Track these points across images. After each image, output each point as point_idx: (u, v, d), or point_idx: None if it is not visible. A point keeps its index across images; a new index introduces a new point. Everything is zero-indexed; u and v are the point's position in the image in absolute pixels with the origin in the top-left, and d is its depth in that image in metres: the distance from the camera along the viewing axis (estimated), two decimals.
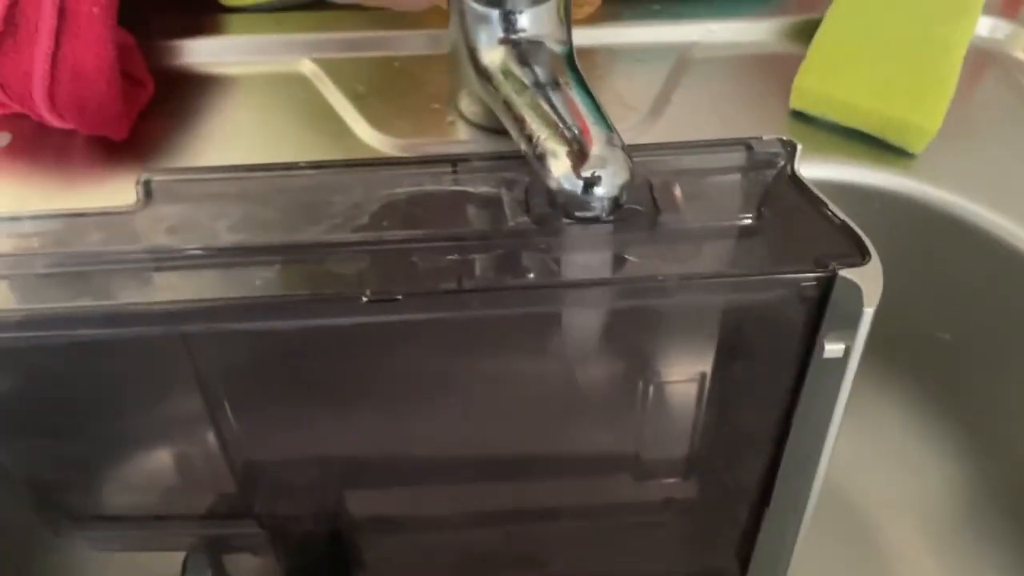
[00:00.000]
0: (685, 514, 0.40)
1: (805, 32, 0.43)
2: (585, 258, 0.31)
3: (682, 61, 0.43)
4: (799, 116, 0.41)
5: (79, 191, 0.38)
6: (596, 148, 0.30)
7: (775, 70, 0.43)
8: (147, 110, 0.40)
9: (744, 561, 0.39)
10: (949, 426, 0.46)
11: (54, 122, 0.38)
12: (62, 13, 0.36)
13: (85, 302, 0.29)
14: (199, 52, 0.43)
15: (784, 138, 0.33)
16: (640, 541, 0.41)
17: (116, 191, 0.38)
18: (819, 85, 0.40)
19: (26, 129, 0.40)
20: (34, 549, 0.41)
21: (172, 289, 0.30)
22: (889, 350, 0.46)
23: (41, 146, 0.39)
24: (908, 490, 0.46)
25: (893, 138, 0.40)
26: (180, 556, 0.40)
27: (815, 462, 0.33)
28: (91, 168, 0.39)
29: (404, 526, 0.39)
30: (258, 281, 0.30)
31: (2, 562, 0.39)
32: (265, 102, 0.42)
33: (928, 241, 0.41)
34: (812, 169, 0.40)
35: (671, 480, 0.39)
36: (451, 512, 0.38)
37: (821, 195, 0.32)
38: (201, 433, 0.34)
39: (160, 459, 0.36)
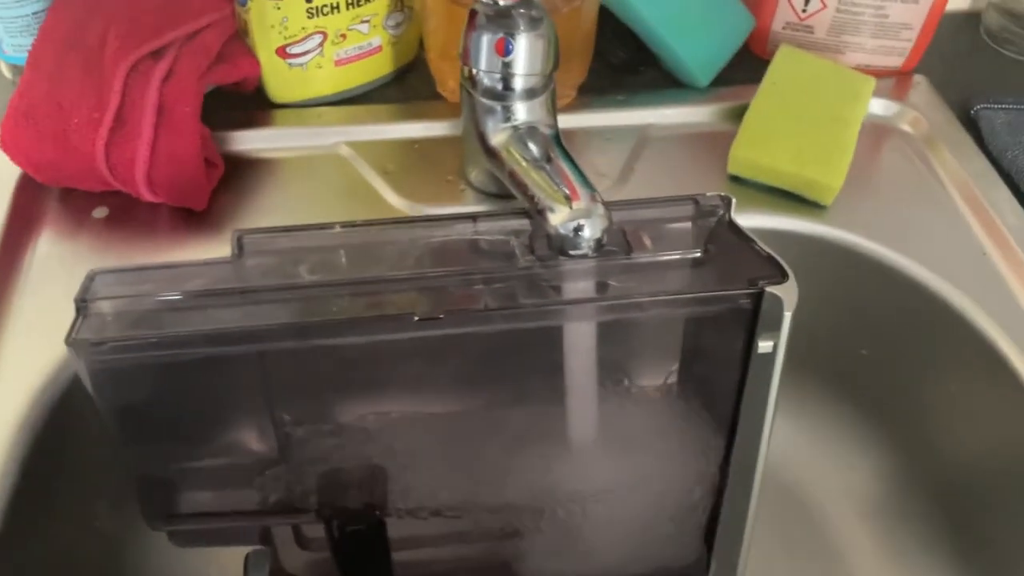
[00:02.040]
0: (661, 504, 0.49)
1: (736, 114, 0.55)
2: (579, 284, 0.41)
3: (642, 139, 0.55)
4: (735, 179, 0.52)
5: (169, 250, 0.47)
6: (583, 203, 0.41)
7: (715, 144, 0.54)
8: (217, 187, 0.50)
9: (710, 546, 0.48)
10: (876, 426, 0.56)
11: (149, 198, 0.48)
12: (160, 111, 0.46)
13: (198, 328, 0.39)
14: (257, 140, 0.53)
15: (722, 194, 0.44)
16: (624, 531, 0.50)
17: (199, 250, 0.47)
18: (749, 154, 0.51)
19: (119, 203, 0.49)
20: (111, 545, 0.49)
21: (268, 316, 0.39)
22: (821, 367, 0.56)
23: (133, 217, 0.49)
24: (845, 481, 0.56)
25: (808, 194, 0.51)
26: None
27: (757, 443, 0.42)
28: (175, 233, 0.48)
29: (443, 531, 0.48)
30: (334, 308, 0.39)
31: (90, 556, 0.47)
32: (311, 179, 0.52)
33: (842, 275, 0.52)
34: (746, 219, 0.50)
35: (649, 473, 0.48)
36: (479, 509, 0.46)
37: (752, 236, 0.43)
38: (273, 436, 0.43)
39: (238, 459, 0.44)
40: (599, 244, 0.41)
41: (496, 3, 0.41)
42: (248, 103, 0.54)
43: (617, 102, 0.56)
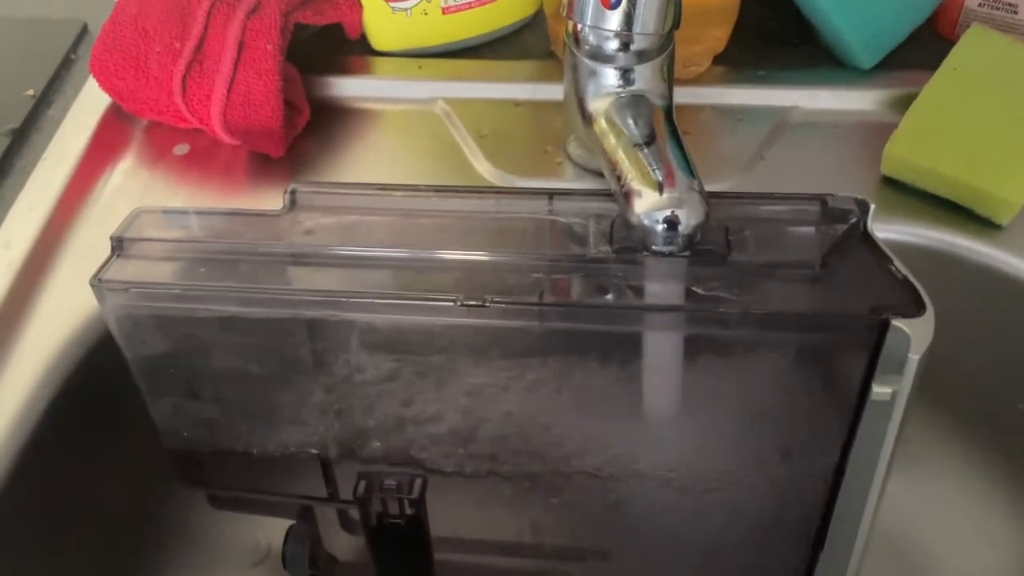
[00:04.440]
0: (741, 551, 0.41)
1: (904, 104, 0.45)
2: (656, 287, 0.34)
3: (781, 123, 0.46)
4: (890, 182, 0.43)
5: (239, 196, 0.45)
6: (676, 191, 0.34)
7: (870, 137, 0.45)
8: (301, 133, 0.47)
9: None
10: None
11: (225, 139, 0.45)
12: (241, 47, 0.43)
13: (230, 284, 0.35)
14: (350, 88, 0.49)
15: (859, 197, 0.36)
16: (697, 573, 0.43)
17: (269, 198, 0.44)
18: (908, 153, 0.42)
19: (202, 142, 0.47)
20: (150, 500, 0.47)
21: (302, 281, 0.35)
22: (964, 414, 0.46)
23: (212, 157, 0.46)
24: (981, 561, 0.46)
25: (980, 209, 0.41)
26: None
27: (864, 497, 0.34)
28: (250, 178, 0.46)
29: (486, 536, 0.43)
30: (373, 281, 0.35)
31: (126, 508, 0.45)
32: (400, 136, 0.47)
33: (1012, 312, 0.42)
34: (896, 231, 0.42)
35: (729, 515, 0.41)
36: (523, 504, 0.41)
37: (889, 252, 0.34)
38: (312, 408, 0.39)
39: (275, 429, 0.41)
40: (690, 241, 0.34)
41: None
42: (350, 49, 0.51)
43: (758, 77, 0.48)
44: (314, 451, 0.40)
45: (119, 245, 0.36)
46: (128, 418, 0.41)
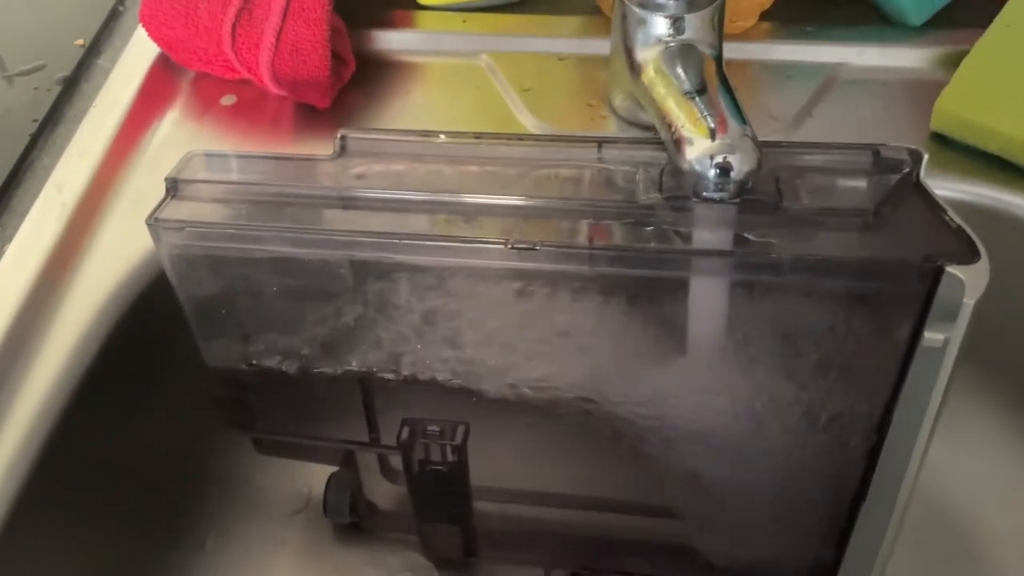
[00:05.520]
0: (783, 503, 0.42)
1: (954, 61, 0.44)
2: (706, 233, 0.34)
3: (829, 80, 0.46)
4: (940, 139, 0.43)
5: (285, 146, 0.45)
6: (728, 137, 0.34)
7: (920, 94, 0.44)
8: (346, 85, 0.47)
9: (838, 557, 0.41)
10: None
11: (272, 89, 0.45)
12: None
13: (285, 225, 0.36)
14: (395, 41, 0.49)
15: (912, 147, 0.36)
16: (737, 523, 0.43)
17: (314, 149, 0.44)
18: (960, 108, 0.41)
19: (249, 93, 0.47)
20: (194, 446, 0.48)
21: (353, 224, 0.36)
22: (1016, 380, 0.46)
23: (259, 108, 0.47)
24: (1016, 522, 0.46)
25: None
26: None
27: (909, 450, 0.34)
28: (296, 129, 0.46)
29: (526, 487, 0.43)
30: (424, 224, 0.35)
31: (171, 452, 0.46)
32: (445, 89, 0.47)
33: None
34: (946, 189, 0.42)
35: (772, 466, 0.41)
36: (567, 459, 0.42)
37: (942, 202, 0.34)
38: (359, 351, 0.40)
39: (324, 367, 0.41)
40: (742, 188, 0.34)
41: None
42: (395, 3, 0.51)
43: (806, 34, 0.48)
44: (361, 392, 0.40)
45: (174, 186, 0.36)
46: (176, 364, 0.42)
